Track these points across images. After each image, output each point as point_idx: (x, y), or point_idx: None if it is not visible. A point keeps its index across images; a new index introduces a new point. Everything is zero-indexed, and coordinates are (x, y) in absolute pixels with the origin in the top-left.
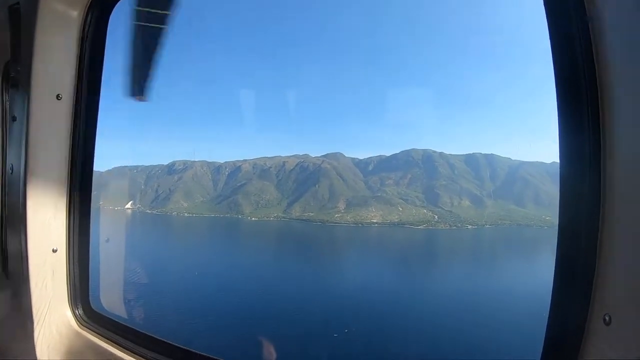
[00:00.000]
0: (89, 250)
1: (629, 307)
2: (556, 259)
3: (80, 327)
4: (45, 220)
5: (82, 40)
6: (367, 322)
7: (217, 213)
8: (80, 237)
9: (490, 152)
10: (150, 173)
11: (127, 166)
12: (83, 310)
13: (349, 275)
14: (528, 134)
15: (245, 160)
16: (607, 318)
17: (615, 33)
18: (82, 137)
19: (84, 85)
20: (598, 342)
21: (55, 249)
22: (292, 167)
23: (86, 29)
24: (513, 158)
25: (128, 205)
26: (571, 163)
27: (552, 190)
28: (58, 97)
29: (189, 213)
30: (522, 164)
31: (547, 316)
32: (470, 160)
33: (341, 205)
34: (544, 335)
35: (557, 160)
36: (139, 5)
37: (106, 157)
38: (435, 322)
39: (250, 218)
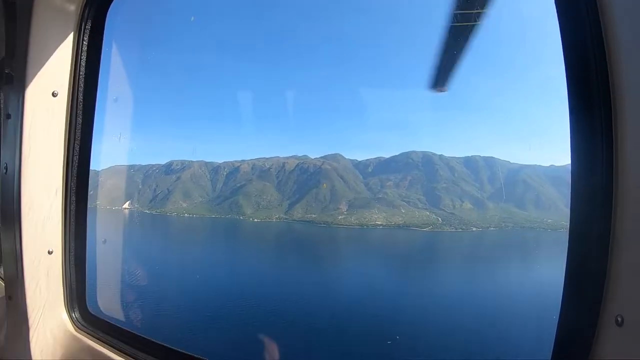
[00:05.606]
0: (85, 252)
1: None
2: (567, 259)
3: (77, 331)
4: (41, 220)
5: (79, 36)
6: (376, 326)
7: (218, 214)
8: (76, 238)
9: (489, 155)
10: (147, 172)
11: (123, 165)
12: (80, 313)
13: (360, 278)
14: (525, 137)
15: (243, 161)
16: (619, 319)
17: (628, 31)
18: (79, 135)
19: (81, 82)
20: (609, 343)
21: (50, 250)
22: (292, 168)
23: (83, 24)
24: (511, 161)
25: (125, 205)
26: (583, 162)
27: (551, 194)
28: (54, 94)
29: (189, 214)
30: (522, 167)
31: (558, 317)
32: (470, 162)
33: (343, 207)
34: (554, 337)
35: (555, 163)
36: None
37: (102, 156)
38: (450, 324)
39: (252, 219)
